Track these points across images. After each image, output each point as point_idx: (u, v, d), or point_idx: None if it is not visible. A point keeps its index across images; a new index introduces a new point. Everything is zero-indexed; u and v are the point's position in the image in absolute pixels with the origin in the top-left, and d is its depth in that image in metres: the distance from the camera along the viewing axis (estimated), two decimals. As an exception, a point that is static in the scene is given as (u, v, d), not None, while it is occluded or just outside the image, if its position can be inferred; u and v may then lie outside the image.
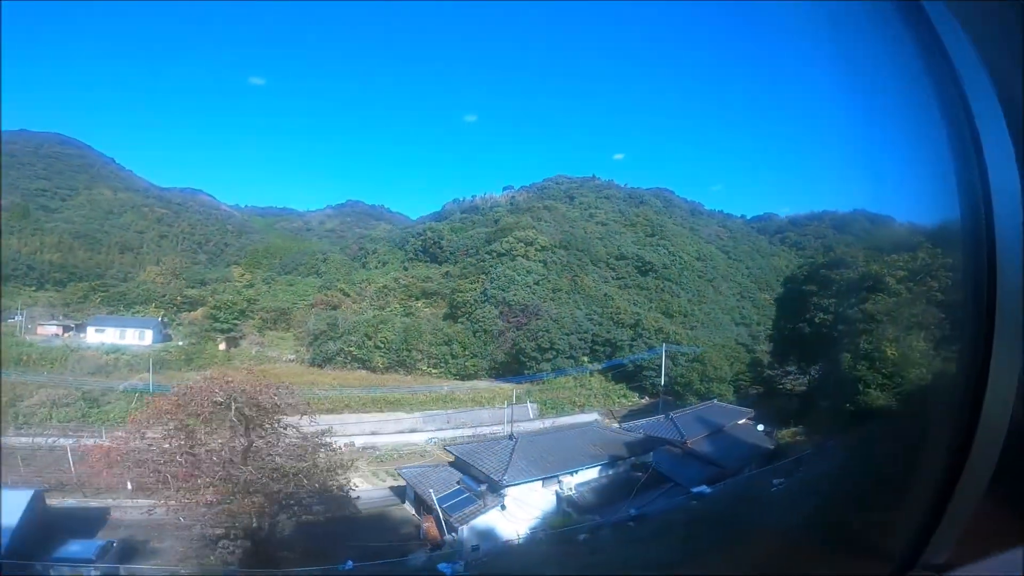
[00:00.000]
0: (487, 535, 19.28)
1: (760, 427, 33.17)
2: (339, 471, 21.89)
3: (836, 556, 2.31)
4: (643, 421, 32.50)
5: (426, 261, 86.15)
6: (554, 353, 59.62)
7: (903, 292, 32.13)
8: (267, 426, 18.60)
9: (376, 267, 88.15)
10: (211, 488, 16.85)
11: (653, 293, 69.82)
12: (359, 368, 61.13)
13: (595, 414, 50.51)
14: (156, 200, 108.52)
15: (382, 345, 60.05)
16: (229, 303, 63.34)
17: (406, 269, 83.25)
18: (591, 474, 22.04)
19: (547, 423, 47.35)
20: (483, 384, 57.99)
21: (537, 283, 66.10)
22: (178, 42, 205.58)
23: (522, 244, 71.51)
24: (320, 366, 60.60)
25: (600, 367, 60.79)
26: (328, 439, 21.04)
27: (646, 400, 55.69)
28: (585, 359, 61.54)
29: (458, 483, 21.14)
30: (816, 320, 37.03)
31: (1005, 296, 1.70)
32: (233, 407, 17.20)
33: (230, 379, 18.71)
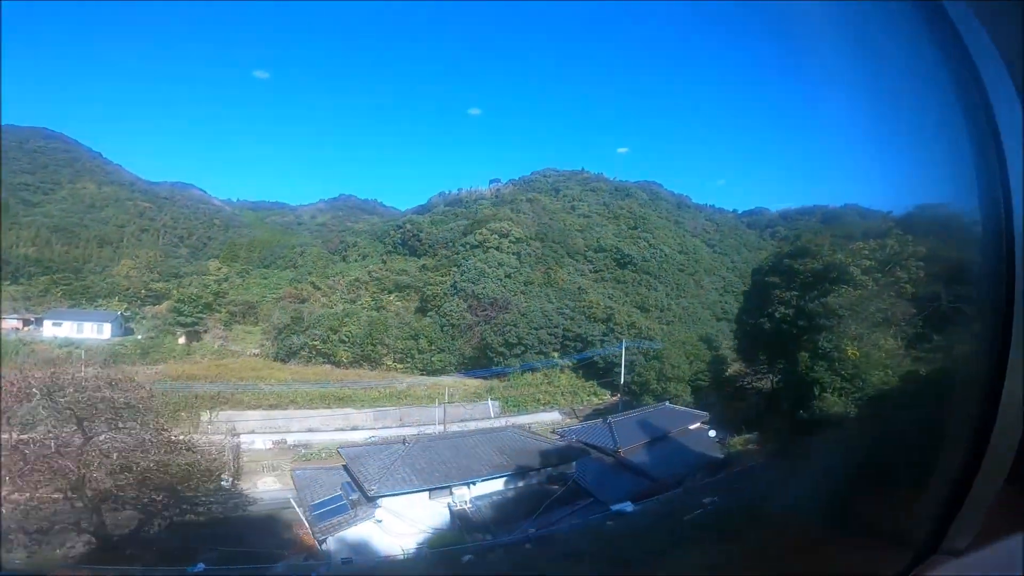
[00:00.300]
0: (362, 548, 17.66)
1: (712, 433, 31.07)
2: (212, 473, 20.55)
3: (856, 543, 2.32)
4: (579, 426, 30.64)
5: (405, 254, 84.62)
6: (522, 348, 57.91)
7: (869, 284, 29.81)
8: (116, 423, 17.11)
9: (356, 260, 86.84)
10: (42, 482, 15.74)
11: (630, 287, 67.71)
12: (324, 363, 59.99)
13: (556, 412, 48.77)
14: (141, 194, 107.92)
15: (346, 339, 58.72)
16: (194, 296, 62.28)
17: (384, 263, 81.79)
18: (494, 486, 20.22)
19: (505, 421, 45.65)
20: (449, 380, 56.34)
21: (508, 276, 64.32)
22: (174, 35, 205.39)
23: (496, 236, 69.70)
24: (284, 360, 59.44)
25: (570, 363, 59.00)
26: (212, 438, 19.57)
27: (616, 398, 53.81)
28: (555, 355, 59.74)
29: (340, 489, 19.52)
30: (776, 315, 34.74)
31: (1023, 280, 1.72)
32: (61, 400, 15.74)
33: (54, 371, 17.26)
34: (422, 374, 58.87)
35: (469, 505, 19.22)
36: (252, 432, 35.29)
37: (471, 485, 19.52)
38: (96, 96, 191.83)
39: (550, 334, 59.22)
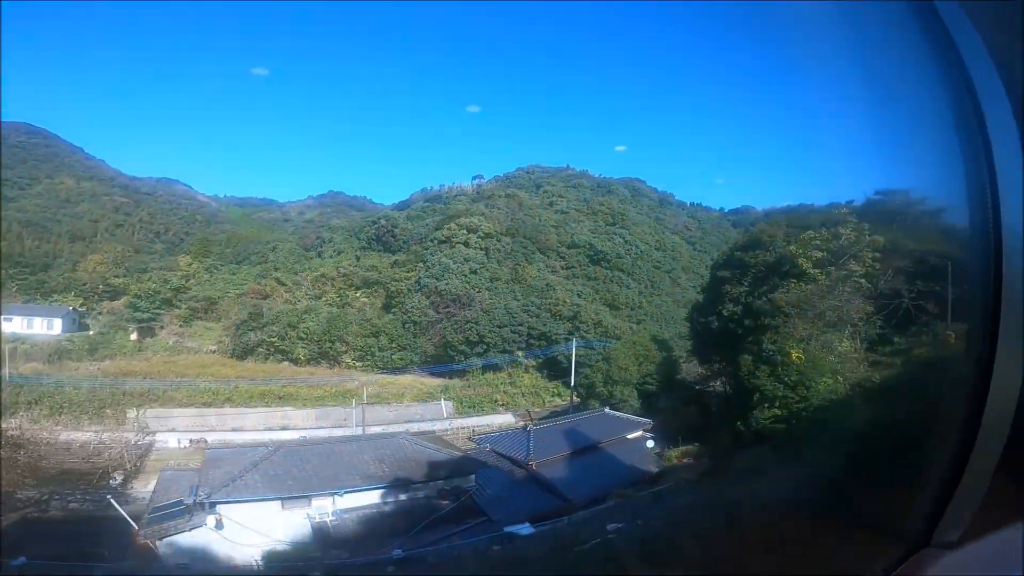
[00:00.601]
0: (201, 555, 15.98)
1: (650, 443, 28.95)
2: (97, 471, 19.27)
3: (848, 535, 2.31)
4: (496, 433, 28.78)
5: (379, 250, 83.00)
6: (484, 347, 56.17)
7: (820, 277, 27.65)
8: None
9: (331, 256, 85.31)
10: None
11: (601, 284, 65.77)
12: (283, 360, 58.51)
13: (510, 415, 46.95)
14: (121, 189, 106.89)
15: (304, 336, 57.16)
16: (151, 292, 60.97)
17: (357, 259, 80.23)
18: (368, 499, 18.42)
19: (450, 424, 44.02)
20: (407, 379, 54.70)
21: (474, 272, 62.56)
22: (165, 31, 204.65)
23: (464, 231, 67.99)
24: (240, 358, 58.00)
25: (534, 362, 57.18)
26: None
27: (580, 400, 51.90)
28: (520, 353, 57.91)
29: (188, 493, 17.83)
30: (724, 313, 32.63)
31: (1010, 275, 1.75)
32: None
33: None
34: (382, 372, 57.23)
35: (332, 518, 17.44)
36: (173, 431, 33.71)
37: (336, 496, 17.73)
38: (81, 92, 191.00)
39: (514, 332, 57.42)
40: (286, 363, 57.64)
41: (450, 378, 56.45)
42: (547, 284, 62.28)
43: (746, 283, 31.09)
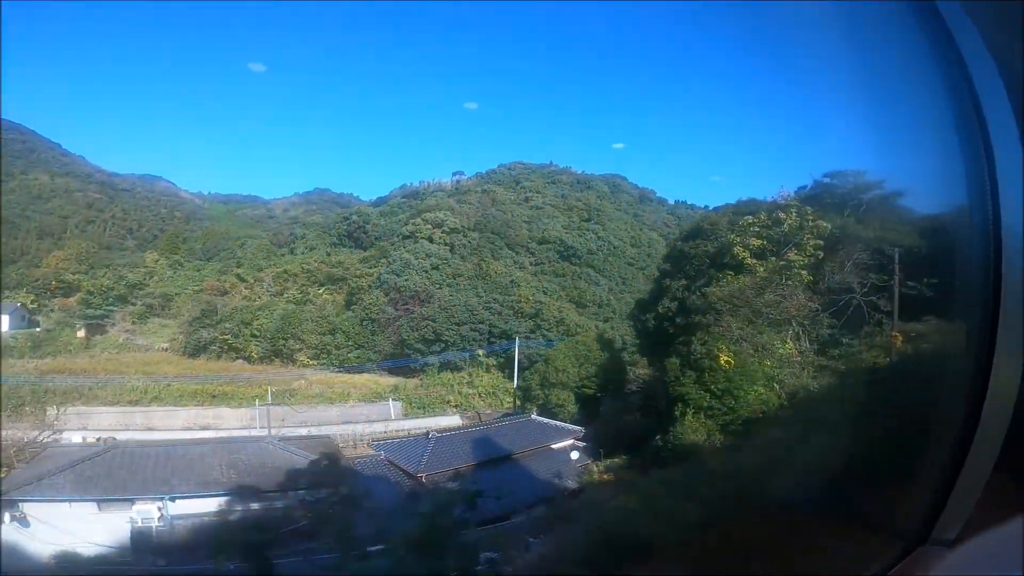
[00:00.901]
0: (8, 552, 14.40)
1: (575, 455, 26.76)
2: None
3: (847, 533, 2.32)
4: (397, 439, 26.89)
5: (351, 247, 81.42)
6: (441, 345, 54.39)
7: (759, 269, 25.45)
8: None
9: (303, 252, 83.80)
10: None
11: (569, 280, 63.90)
12: (237, 358, 56.98)
13: (458, 416, 45.08)
14: (97, 185, 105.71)
15: (258, 334, 55.59)
16: (104, 288, 59.48)
17: (328, 255, 78.67)
18: (208, 506, 16.63)
19: (399, 427, 42.21)
20: (362, 378, 53.00)
21: (436, 267, 60.81)
22: (154, 26, 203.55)
23: (430, 226, 66.26)
24: (193, 355, 56.49)
25: (495, 362, 55.37)
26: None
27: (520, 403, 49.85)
28: (481, 352, 56.12)
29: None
30: (660, 310, 30.61)
31: (1010, 273, 1.75)
32: None
33: None
34: (339, 371, 55.57)
35: (159, 524, 15.68)
36: (83, 428, 32.08)
37: (165, 501, 15.97)
38: (64, 88, 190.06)
39: (474, 330, 55.64)
40: (240, 361, 56.24)
41: (408, 377, 54.86)
42: (512, 280, 60.44)
43: (684, 276, 29.14)
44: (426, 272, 59.87)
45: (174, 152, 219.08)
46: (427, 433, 24.64)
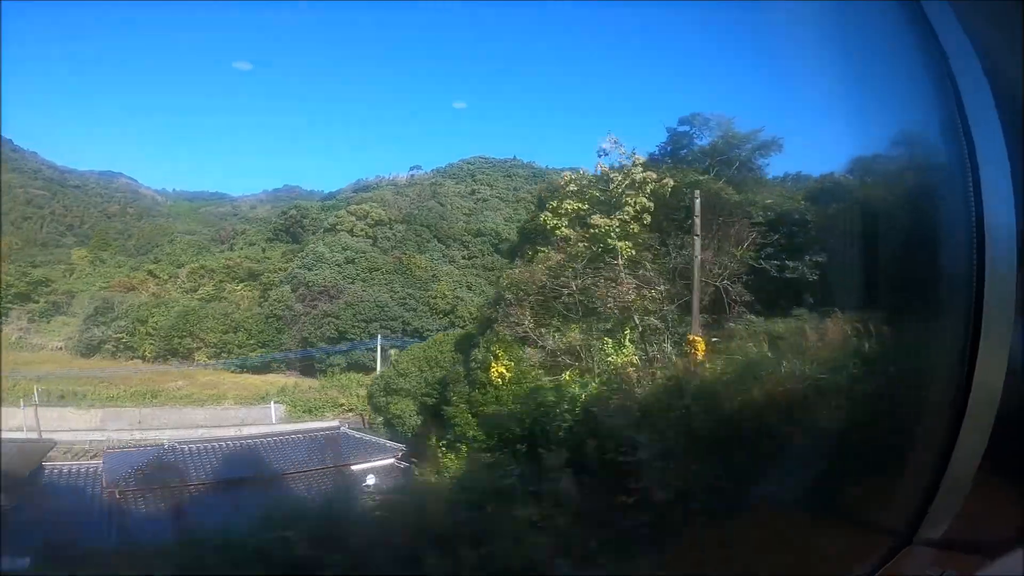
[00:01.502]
0: None
1: (372, 480, 22.40)
2: None
3: (834, 533, 2.35)
4: (135, 450, 22.89)
5: (288, 241, 77.82)
6: (346, 344, 50.56)
7: (575, 242, 20.85)
8: None
9: (243, 248, 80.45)
10: None
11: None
12: (134, 357, 53.50)
13: (337, 420, 41.16)
14: (44, 182, 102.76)
15: (153, 332, 52.04)
16: (4, 285, 56.06)
17: (263, 251, 75.21)
18: None
19: (272, 430, 38.32)
20: (257, 379, 49.30)
21: (350, 261, 57.01)
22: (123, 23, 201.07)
23: (354, 218, 62.52)
24: (87, 355, 53.10)
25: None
26: None
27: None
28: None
29: None
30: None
31: (993, 274, 1.75)
32: None
33: None
34: (242, 371, 51.91)
35: None
36: None
37: None
38: (21, 81, 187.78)
39: (385, 327, 51.74)
40: (136, 360, 52.78)
41: (313, 377, 51.25)
42: (433, 275, 56.54)
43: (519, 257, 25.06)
44: (339, 266, 56.09)
45: (141, 149, 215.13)
46: (169, 443, 20.65)
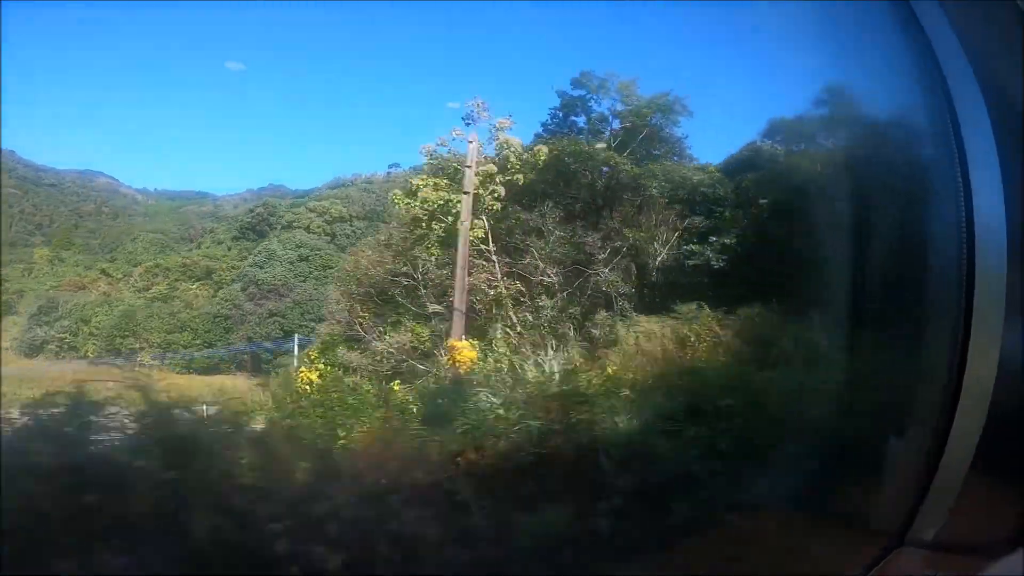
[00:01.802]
0: None
1: None
2: None
3: (823, 534, 2.32)
4: None
5: (254, 239, 76.18)
6: (292, 344, 48.74)
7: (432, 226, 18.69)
8: None
9: (209, 246, 79.06)
10: None
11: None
12: (78, 358, 51.95)
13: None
14: (18, 180, 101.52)
15: (96, 332, 50.43)
16: (-52, 283, 54.56)
17: (229, 249, 73.70)
18: None
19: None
20: (198, 380, 47.49)
21: (304, 258, 55.25)
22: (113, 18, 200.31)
23: (312, 215, 60.84)
24: (31, 355, 51.60)
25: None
26: None
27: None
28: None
29: None
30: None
31: (984, 273, 1.73)
32: None
33: None
34: (189, 371, 50.23)
35: None
36: None
37: None
38: (8, 82, 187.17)
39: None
40: (81, 361, 51.19)
41: (263, 377, 49.48)
42: (389, 272, 54.74)
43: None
44: (292, 264, 54.33)
45: (127, 149, 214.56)
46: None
